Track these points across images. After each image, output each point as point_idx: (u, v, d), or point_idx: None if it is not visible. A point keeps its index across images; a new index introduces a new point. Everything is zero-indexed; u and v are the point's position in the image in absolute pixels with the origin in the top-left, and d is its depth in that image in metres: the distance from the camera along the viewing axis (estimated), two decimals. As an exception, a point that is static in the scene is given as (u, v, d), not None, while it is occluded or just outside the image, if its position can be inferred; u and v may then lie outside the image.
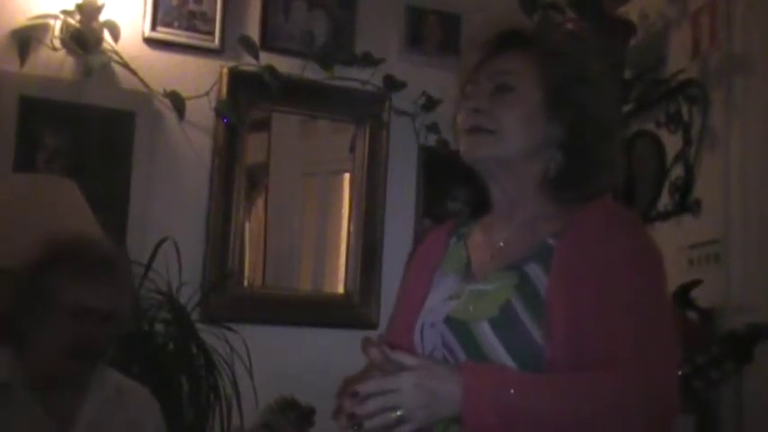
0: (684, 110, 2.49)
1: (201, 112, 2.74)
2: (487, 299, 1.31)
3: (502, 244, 1.38)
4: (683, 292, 2.28)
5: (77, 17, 2.58)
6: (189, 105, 2.71)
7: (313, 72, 2.83)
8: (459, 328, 1.31)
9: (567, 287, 1.25)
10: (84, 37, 2.57)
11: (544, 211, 1.36)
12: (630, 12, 2.72)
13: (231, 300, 2.72)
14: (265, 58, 2.78)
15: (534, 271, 1.30)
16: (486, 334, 1.28)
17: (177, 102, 2.68)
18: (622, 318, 1.23)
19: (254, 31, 2.82)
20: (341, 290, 2.91)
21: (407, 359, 1.22)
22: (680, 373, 2.06)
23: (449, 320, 1.33)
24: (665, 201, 2.54)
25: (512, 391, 1.17)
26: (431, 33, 3.04)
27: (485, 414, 1.16)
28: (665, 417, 1.22)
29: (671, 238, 2.50)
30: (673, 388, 1.23)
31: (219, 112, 2.74)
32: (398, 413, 1.18)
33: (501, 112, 1.34)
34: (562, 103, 1.34)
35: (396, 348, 1.25)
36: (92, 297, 1.62)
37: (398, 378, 1.19)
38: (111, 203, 2.56)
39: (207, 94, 2.73)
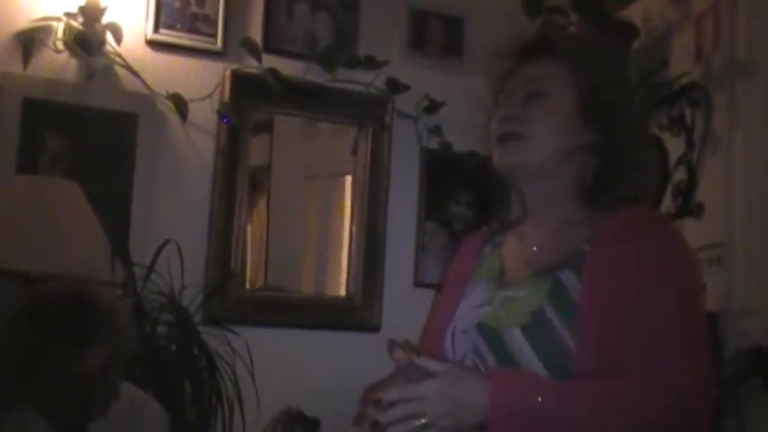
0: (687, 113, 2.49)
1: (204, 114, 2.74)
2: (519, 305, 1.30)
3: (535, 249, 1.38)
4: (686, 296, 2.27)
5: (80, 19, 2.58)
6: (191, 108, 2.71)
7: (316, 74, 2.84)
8: (490, 334, 1.30)
9: (599, 293, 1.24)
10: (87, 39, 2.58)
11: (577, 217, 1.36)
12: (633, 15, 2.71)
13: (233, 302, 2.72)
14: (268, 60, 2.78)
15: (567, 277, 1.28)
16: (518, 340, 1.26)
17: (180, 104, 2.68)
18: (653, 325, 1.21)
19: (256, 34, 2.82)
20: (343, 292, 2.90)
21: (433, 365, 1.20)
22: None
23: (480, 327, 1.32)
24: (667, 204, 2.54)
25: (539, 399, 1.16)
26: (434, 36, 3.04)
27: (512, 423, 1.15)
28: (696, 426, 1.19)
29: (674, 241, 2.49)
30: (703, 396, 1.20)
31: (222, 114, 2.75)
32: (422, 421, 1.17)
33: (534, 119, 1.34)
34: (595, 106, 1.34)
35: (424, 354, 1.24)
36: (85, 363, 1.54)
37: (423, 385, 1.18)
38: (114, 205, 2.55)
39: (210, 96, 2.74)
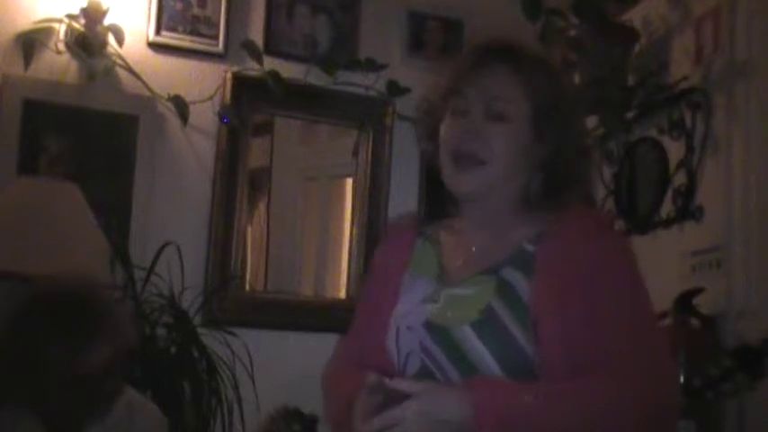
0: (687, 116, 2.49)
1: (205, 116, 2.74)
2: (467, 303, 1.32)
3: (474, 249, 1.39)
4: (686, 299, 2.28)
5: (82, 21, 2.58)
6: (192, 110, 2.71)
7: (316, 77, 2.84)
8: (438, 333, 1.32)
9: (555, 291, 1.26)
10: (89, 41, 2.58)
11: (518, 219, 1.38)
12: (633, 18, 2.71)
13: (233, 304, 2.72)
14: (269, 62, 2.78)
15: (513, 276, 1.31)
16: (470, 338, 1.28)
17: (181, 106, 2.69)
18: (616, 318, 1.26)
19: (257, 36, 2.83)
20: (343, 294, 2.91)
21: (408, 386, 1.22)
22: (682, 377, 2.08)
23: (428, 325, 1.33)
24: (667, 207, 2.54)
25: (523, 407, 1.18)
26: (433, 38, 3.04)
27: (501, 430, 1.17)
28: (668, 411, 1.25)
29: (673, 244, 2.49)
30: (673, 383, 1.27)
31: (221, 115, 2.75)
32: None
33: (494, 141, 1.35)
34: (548, 123, 1.36)
35: (367, 353, 1.27)
36: (86, 363, 1.54)
37: (400, 408, 1.19)
38: (114, 207, 2.56)
39: (210, 98, 2.74)
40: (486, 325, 1.28)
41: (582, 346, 1.23)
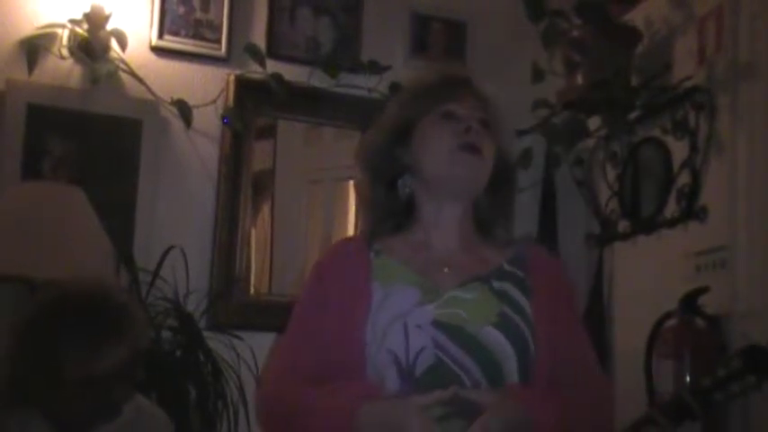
0: (691, 116, 2.49)
1: (208, 120, 2.75)
2: (477, 306, 1.42)
3: (449, 257, 1.49)
4: (691, 300, 2.27)
5: (85, 26, 2.59)
6: (196, 113, 2.71)
7: (319, 79, 2.84)
8: (453, 330, 1.39)
9: (544, 316, 1.45)
10: (92, 45, 2.59)
11: (473, 239, 1.54)
12: (636, 18, 2.71)
13: (238, 307, 2.72)
14: (271, 65, 2.79)
15: (507, 289, 1.47)
16: (496, 338, 1.40)
17: (184, 110, 2.69)
18: (582, 341, 1.51)
19: (260, 39, 2.83)
20: (347, 297, 2.90)
21: (481, 396, 1.33)
22: (687, 377, 2.09)
23: (438, 324, 1.40)
24: (671, 207, 2.54)
25: (559, 419, 1.34)
26: (436, 40, 3.04)
27: None
28: (611, 420, 1.50)
29: (677, 244, 2.49)
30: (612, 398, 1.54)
31: (223, 116, 2.75)
32: None
33: (487, 144, 1.52)
34: (500, 152, 1.56)
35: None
36: (101, 364, 1.55)
37: (484, 420, 1.29)
38: (118, 211, 2.56)
39: (214, 102, 2.74)
40: (509, 327, 1.41)
41: (561, 366, 1.43)
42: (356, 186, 1.66)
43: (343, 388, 1.38)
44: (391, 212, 1.55)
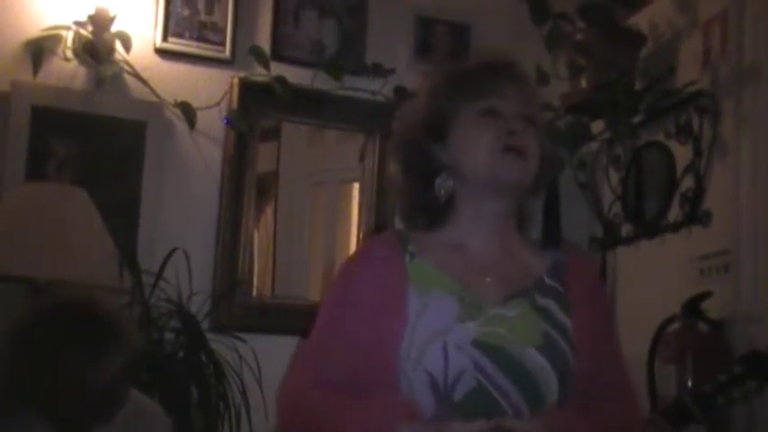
0: (695, 120, 2.49)
1: (212, 122, 2.75)
2: (520, 326, 1.34)
3: (491, 268, 1.40)
4: (694, 304, 2.27)
5: (89, 28, 2.60)
6: (200, 115, 2.72)
7: (323, 82, 2.84)
8: (494, 352, 1.31)
9: (587, 331, 1.39)
10: (96, 48, 2.59)
11: (516, 243, 1.45)
12: (640, 22, 2.71)
13: (241, 309, 2.73)
14: (275, 68, 2.79)
15: (548, 305, 1.39)
16: (538, 360, 1.32)
17: (188, 112, 2.69)
18: (619, 360, 1.46)
19: (264, 42, 2.83)
20: (350, 299, 2.90)
21: (524, 426, 1.28)
22: (690, 382, 2.08)
23: (478, 344, 1.31)
24: (675, 212, 2.53)
25: None
26: (440, 43, 3.04)
27: None
28: None
29: (681, 249, 2.49)
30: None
31: (225, 117, 2.75)
32: None
33: (531, 142, 1.41)
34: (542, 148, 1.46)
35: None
36: (100, 373, 1.56)
37: None
38: (122, 213, 2.56)
39: (218, 104, 2.75)
40: (553, 350, 1.34)
41: (598, 381, 1.38)
42: (390, 179, 1.52)
43: (379, 404, 1.30)
44: (426, 209, 1.44)
